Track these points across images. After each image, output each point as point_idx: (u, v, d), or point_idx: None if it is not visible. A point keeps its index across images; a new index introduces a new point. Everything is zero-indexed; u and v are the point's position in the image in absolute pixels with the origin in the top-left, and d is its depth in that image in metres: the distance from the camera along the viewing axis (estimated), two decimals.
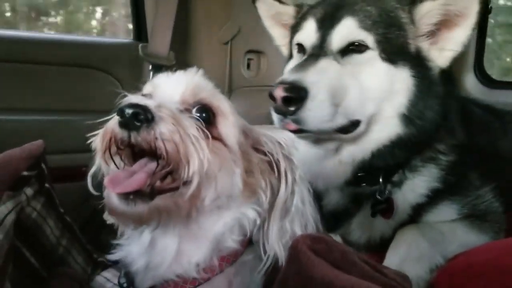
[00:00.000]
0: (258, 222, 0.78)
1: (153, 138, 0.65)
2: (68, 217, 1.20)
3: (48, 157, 1.13)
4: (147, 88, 0.82)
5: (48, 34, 1.94)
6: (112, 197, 0.67)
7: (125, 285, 0.82)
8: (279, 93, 1.04)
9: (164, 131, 0.66)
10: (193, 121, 0.71)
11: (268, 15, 1.40)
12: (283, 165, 0.79)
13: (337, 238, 1.27)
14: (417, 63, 1.14)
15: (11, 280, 0.87)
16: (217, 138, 0.75)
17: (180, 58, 1.86)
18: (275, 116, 1.10)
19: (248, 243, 0.82)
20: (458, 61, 2.40)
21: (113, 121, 0.69)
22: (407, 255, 1.10)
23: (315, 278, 0.56)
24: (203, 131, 0.71)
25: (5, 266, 0.85)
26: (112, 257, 0.83)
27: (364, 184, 1.21)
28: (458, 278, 1.00)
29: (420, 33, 1.15)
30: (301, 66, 1.12)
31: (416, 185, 1.21)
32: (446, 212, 1.21)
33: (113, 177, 0.68)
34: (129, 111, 0.64)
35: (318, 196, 1.28)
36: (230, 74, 2.04)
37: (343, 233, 1.31)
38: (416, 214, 1.22)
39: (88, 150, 1.58)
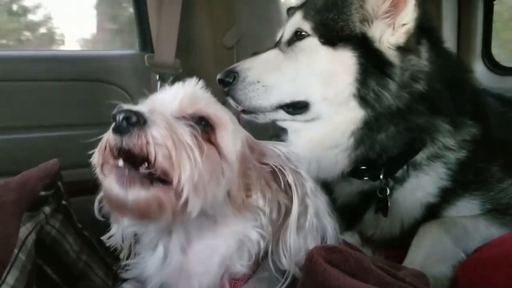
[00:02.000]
0: (262, 244, 0.76)
1: (145, 142, 0.63)
2: (86, 231, 1.22)
3: (62, 172, 1.15)
4: (147, 103, 0.81)
5: (54, 50, 1.95)
6: (112, 183, 0.66)
7: None
8: (218, 76, 1.32)
9: (156, 135, 0.64)
10: (188, 129, 0.69)
11: None
12: (291, 179, 0.77)
13: (354, 236, 1.28)
14: (362, 44, 1.20)
15: None
16: (214, 144, 0.75)
17: (186, 66, 1.87)
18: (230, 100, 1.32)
19: (261, 260, 0.81)
20: (466, 49, 2.40)
21: (109, 130, 0.68)
22: (430, 252, 1.11)
23: (325, 284, 0.57)
24: (197, 139, 0.69)
25: (29, 286, 0.87)
26: (127, 275, 0.85)
27: (366, 178, 1.25)
28: (475, 273, 0.99)
29: (374, 16, 1.21)
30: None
31: (422, 183, 1.22)
32: (467, 208, 1.22)
33: None
34: (120, 115, 0.64)
35: (327, 189, 1.31)
36: None
37: (360, 229, 1.32)
38: (432, 212, 1.22)
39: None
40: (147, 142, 0.63)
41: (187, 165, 0.65)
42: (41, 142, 1.66)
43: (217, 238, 0.77)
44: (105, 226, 1.58)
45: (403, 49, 1.20)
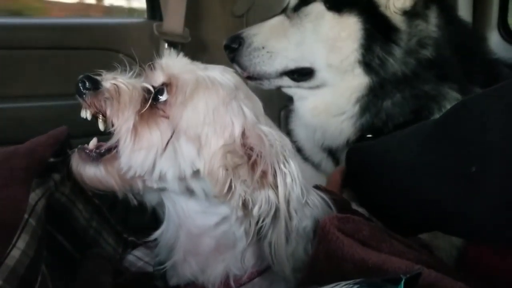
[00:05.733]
0: (245, 242, 0.71)
1: (97, 100, 0.77)
2: (96, 199, 1.23)
3: (72, 141, 1.14)
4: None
5: (61, 18, 1.92)
6: (72, 156, 0.80)
7: (159, 272, 0.84)
8: (224, 42, 1.33)
9: (105, 94, 0.76)
10: (136, 92, 0.77)
11: None
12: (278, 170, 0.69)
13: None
14: (367, 9, 1.19)
15: (46, 263, 0.90)
16: (166, 117, 0.74)
17: (195, 34, 1.84)
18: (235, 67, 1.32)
19: None
20: (481, 19, 2.33)
21: None
22: None
23: (345, 257, 0.56)
24: (145, 103, 0.76)
25: (40, 251, 0.88)
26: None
27: None
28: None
29: None
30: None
31: None
32: None
33: None
34: (79, 82, 0.80)
35: (334, 156, 1.31)
36: None
37: None
38: None
39: (110, 132, 1.58)
40: (99, 100, 0.76)
41: (119, 117, 0.75)
42: (49, 111, 1.65)
43: (206, 219, 0.76)
44: (116, 196, 1.60)
45: (410, 14, 1.18)
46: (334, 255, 0.56)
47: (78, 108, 1.68)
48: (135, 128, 0.74)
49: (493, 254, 0.91)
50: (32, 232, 0.84)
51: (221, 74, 0.77)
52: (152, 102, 0.76)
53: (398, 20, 1.18)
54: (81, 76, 0.80)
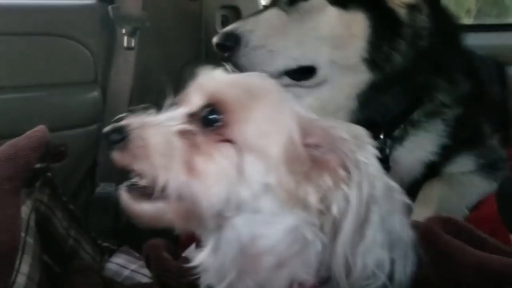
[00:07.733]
0: (319, 247, 0.63)
1: (127, 155, 0.62)
2: (71, 205, 1.10)
3: None
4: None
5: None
6: (122, 193, 0.63)
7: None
8: (214, 40, 1.17)
9: (131, 148, 0.62)
10: (175, 130, 0.64)
11: None
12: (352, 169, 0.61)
13: None
14: (374, 5, 1.14)
15: None
16: (228, 140, 0.63)
17: (150, 18, 1.71)
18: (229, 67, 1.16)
19: None
20: None
21: None
22: (438, 209, 1.12)
23: (462, 262, 0.53)
24: (190, 140, 0.63)
25: (34, 270, 0.76)
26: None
27: None
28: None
29: None
30: (248, 17, 1.22)
31: (422, 142, 1.22)
32: (465, 164, 1.23)
33: None
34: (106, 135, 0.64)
35: None
36: (206, 33, 1.91)
37: None
38: (433, 170, 1.22)
39: (64, 127, 1.41)
40: (128, 155, 0.62)
41: (161, 173, 0.60)
42: None
43: (267, 238, 0.68)
44: (83, 199, 1.47)
45: (413, 6, 1.16)
46: (443, 256, 0.53)
47: (25, 102, 1.50)
48: (190, 169, 0.62)
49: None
50: (33, 252, 0.73)
51: (258, 80, 0.70)
52: (202, 130, 0.64)
53: (402, 13, 1.14)
54: (105, 129, 0.66)
